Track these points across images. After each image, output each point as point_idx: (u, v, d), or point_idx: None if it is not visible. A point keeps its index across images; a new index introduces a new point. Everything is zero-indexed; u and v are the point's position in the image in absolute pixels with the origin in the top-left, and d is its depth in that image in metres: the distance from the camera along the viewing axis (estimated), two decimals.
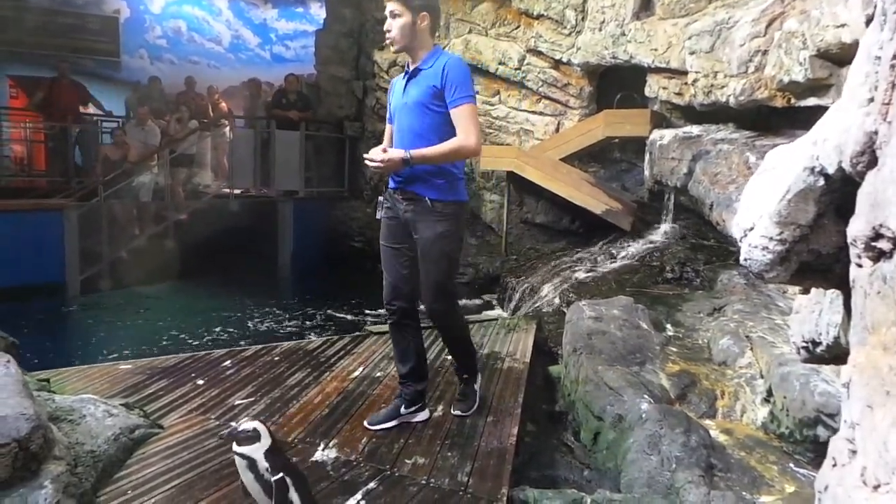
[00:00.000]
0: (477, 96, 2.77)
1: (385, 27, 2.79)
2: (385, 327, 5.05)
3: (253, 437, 2.00)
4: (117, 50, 14.01)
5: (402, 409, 3.04)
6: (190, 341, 6.03)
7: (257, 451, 1.99)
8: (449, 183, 2.81)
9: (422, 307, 3.00)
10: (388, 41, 2.82)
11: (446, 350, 4.23)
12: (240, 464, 2.01)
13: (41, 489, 2.00)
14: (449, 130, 2.73)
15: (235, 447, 2.01)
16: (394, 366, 3.92)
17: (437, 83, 2.72)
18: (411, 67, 2.84)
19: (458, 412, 3.14)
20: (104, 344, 5.98)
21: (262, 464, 1.97)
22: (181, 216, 8.80)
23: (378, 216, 3.02)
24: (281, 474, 1.97)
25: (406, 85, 2.84)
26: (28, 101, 10.81)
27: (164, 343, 5.97)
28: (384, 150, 2.75)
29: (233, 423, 2.03)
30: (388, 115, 3.03)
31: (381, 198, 3.00)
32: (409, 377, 3.04)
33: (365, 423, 3.00)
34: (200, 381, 3.55)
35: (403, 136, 2.84)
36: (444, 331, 3.12)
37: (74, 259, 7.59)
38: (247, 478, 2.00)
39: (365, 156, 2.77)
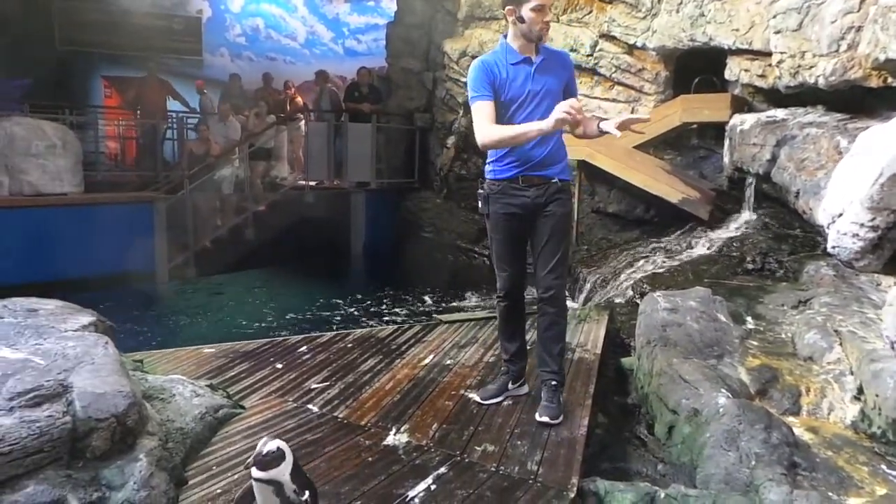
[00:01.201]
0: None
1: (547, 18, 2.83)
2: (455, 316, 5.10)
3: (279, 457, 1.85)
4: (200, 49, 14.65)
5: (510, 385, 3.23)
6: (268, 327, 6.28)
7: (283, 473, 1.85)
8: (568, 164, 2.99)
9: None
10: (543, 31, 2.85)
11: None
12: (263, 490, 1.84)
13: (136, 462, 2.15)
14: None
15: (258, 473, 1.84)
16: (463, 354, 3.97)
17: (568, 76, 2.96)
18: (526, 56, 2.87)
19: (545, 419, 2.93)
20: (190, 328, 6.31)
21: (290, 486, 1.85)
22: (260, 208, 9.15)
23: (484, 211, 3.05)
24: (307, 494, 1.87)
25: (533, 73, 2.87)
26: (120, 100, 11.50)
27: (245, 328, 6.24)
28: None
29: (265, 447, 1.86)
30: (487, 94, 2.87)
31: (482, 191, 3.05)
32: (516, 355, 3.21)
33: (477, 398, 3.21)
34: (279, 365, 3.70)
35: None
36: (561, 312, 3.01)
37: (163, 248, 8.03)
38: (271, 502, 1.85)
39: (571, 103, 2.67)
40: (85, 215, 7.46)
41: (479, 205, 3.08)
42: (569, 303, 6.64)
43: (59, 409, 2.08)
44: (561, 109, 2.63)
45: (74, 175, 7.74)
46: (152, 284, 7.85)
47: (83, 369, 2.29)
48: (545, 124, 2.70)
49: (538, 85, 2.86)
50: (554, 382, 3.03)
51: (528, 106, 2.86)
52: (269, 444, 1.86)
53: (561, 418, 2.95)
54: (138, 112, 10.67)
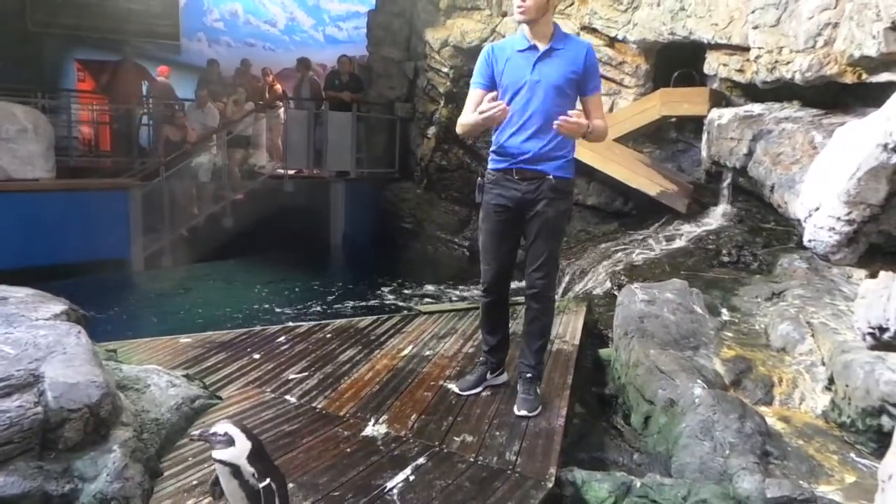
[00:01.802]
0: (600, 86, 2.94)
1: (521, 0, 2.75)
2: (434, 307, 5.10)
3: (226, 441, 1.83)
4: (177, 33, 14.36)
5: (489, 375, 3.22)
6: (246, 317, 6.22)
7: (239, 456, 1.83)
8: (568, 161, 2.87)
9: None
10: (519, 10, 2.77)
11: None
12: (222, 471, 1.85)
13: (110, 453, 2.12)
14: None
15: (215, 454, 1.85)
16: (442, 345, 3.97)
17: (578, 70, 2.79)
18: (533, 43, 2.81)
19: (523, 412, 2.92)
20: (166, 318, 6.22)
21: (248, 469, 1.83)
22: (237, 196, 9.04)
23: (478, 200, 3.01)
24: (268, 480, 1.84)
25: (536, 63, 2.79)
26: (94, 84, 11.24)
27: (222, 318, 6.17)
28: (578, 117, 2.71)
29: (212, 427, 1.87)
30: (480, 83, 2.90)
31: (481, 180, 3.00)
32: (496, 347, 3.19)
33: (455, 389, 3.21)
34: (256, 356, 3.67)
35: (535, 115, 2.79)
36: (544, 310, 2.97)
37: (138, 236, 7.89)
38: (230, 486, 1.85)
39: (571, 114, 2.66)
40: (57, 201, 7.29)
41: (476, 193, 3.02)
42: None
43: (30, 400, 2.04)
44: (487, 109, 2.66)
45: (46, 160, 7.55)
46: (127, 273, 7.71)
47: (55, 359, 2.24)
48: (481, 117, 2.71)
49: (538, 74, 2.77)
50: (529, 375, 3.01)
51: (525, 94, 2.80)
52: (218, 427, 1.87)
53: (539, 410, 2.95)
54: (114, 97, 10.45)
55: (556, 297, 3.09)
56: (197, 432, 1.90)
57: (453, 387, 3.24)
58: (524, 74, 2.79)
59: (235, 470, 1.83)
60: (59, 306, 2.84)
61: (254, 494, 1.82)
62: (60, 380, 2.14)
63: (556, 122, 2.63)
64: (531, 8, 2.74)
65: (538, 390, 3.06)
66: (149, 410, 2.56)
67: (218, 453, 1.84)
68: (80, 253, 7.18)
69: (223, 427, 1.86)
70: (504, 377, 3.29)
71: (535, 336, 3.01)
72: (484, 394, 3.19)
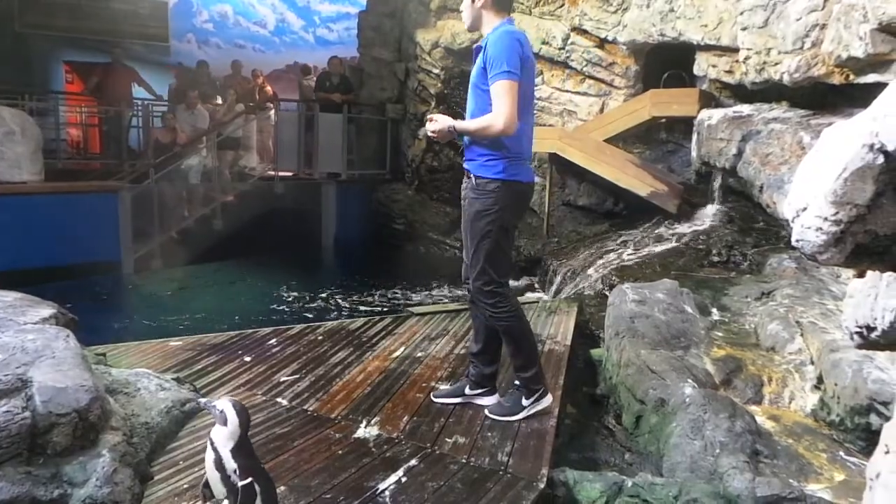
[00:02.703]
0: (508, 72, 2.58)
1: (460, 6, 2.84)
2: (426, 308, 5.10)
3: (221, 418, 1.84)
4: (167, 34, 14.31)
5: (467, 390, 3.04)
6: (236, 320, 6.19)
7: (224, 445, 1.83)
8: (489, 160, 2.71)
9: None
10: (463, 20, 2.86)
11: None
12: (208, 456, 1.86)
13: (99, 457, 2.10)
14: None
15: (212, 434, 1.86)
16: (434, 346, 3.97)
17: (483, 62, 2.66)
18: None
19: (487, 412, 2.90)
20: (156, 320, 6.18)
21: (231, 464, 1.82)
22: (228, 198, 9.00)
23: None
24: (249, 479, 1.81)
25: (473, 65, 2.81)
26: (83, 86, 11.17)
27: (212, 321, 6.14)
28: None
29: (214, 401, 1.91)
30: None
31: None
32: (476, 357, 3.00)
33: (431, 395, 3.12)
34: (247, 358, 3.65)
35: (467, 116, 2.83)
36: (491, 315, 2.82)
37: (128, 239, 7.84)
38: (212, 475, 1.86)
39: (428, 117, 2.84)
40: (45, 204, 7.24)
41: None
42: (539, 294, 6.71)
43: (17, 405, 2.02)
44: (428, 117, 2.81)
45: (34, 163, 7.49)
46: (117, 276, 7.67)
47: (43, 363, 2.22)
48: None
49: (471, 78, 2.80)
50: (516, 382, 2.93)
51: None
52: (218, 402, 1.90)
53: (508, 418, 2.85)
54: (104, 99, 10.40)
55: (501, 303, 2.80)
56: (203, 400, 2.01)
57: (432, 393, 3.15)
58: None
59: (219, 461, 1.83)
60: (47, 310, 2.81)
61: (233, 491, 1.80)
62: (49, 384, 2.12)
63: (428, 126, 2.80)
64: (464, 17, 2.83)
65: (518, 399, 2.89)
66: (139, 414, 2.54)
67: (213, 431, 1.87)
68: (70, 256, 7.13)
69: (222, 403, 1.88)
70: (490, 399, 3.01)
71: (506, 343, 2.89)
72: None
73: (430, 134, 2.81)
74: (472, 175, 2.77)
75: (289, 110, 10.50)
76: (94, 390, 2.19)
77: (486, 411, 2.93)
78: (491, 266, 2.77)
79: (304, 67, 11.27)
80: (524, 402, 2.88)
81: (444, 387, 3.22)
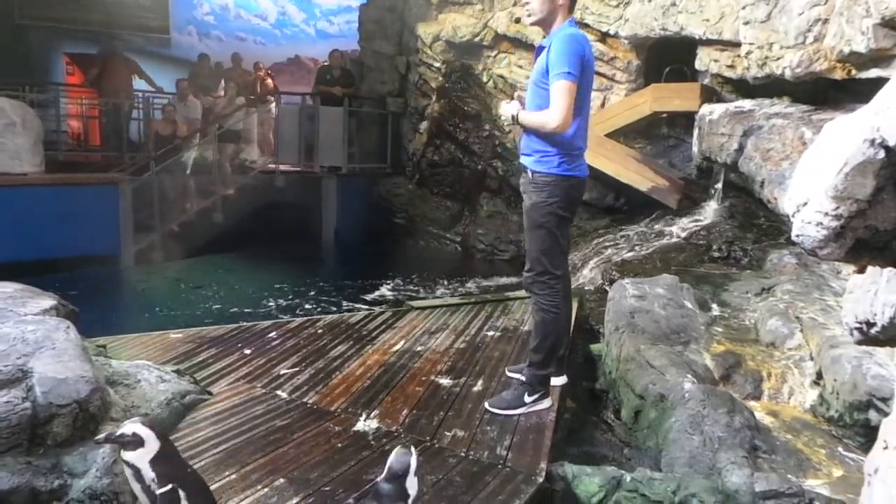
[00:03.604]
0: (568, 73, 2.66)
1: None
2: (426, 302, 5.10)
3: (135, 441, 1.78)
4: (167, 26, 14.26)
5: (526, 397, 2.94)
6: (237, 312, 6.19)
7: (142, 458, 1.78)
8: (544, 156, 2.81)
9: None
10: (525, 12, 2.87)
11: (486, 326, 4.26)
12: (128, 473, 1.81)
13: (99, 448, 2.10)
14: None
15: (123, 454, 1.80)
16: (433, 340, 3.97)
17: (546, 61, 2.74)
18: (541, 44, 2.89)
19: (487, 405, 2.94)
20: (156, 312, 6.19)
21: (149, 473, 1.77)
22: (229, 191, 8.99)
23: None
24: (170, 486, 1.77)
25: (535, 62, 2.89)
26: (83, 78, 11.15)
27: (213, 313, 6.15)
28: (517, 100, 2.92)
29: (120, 428, 1.82)
30: None
31: None
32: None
33: (506, 369, 3.33)
34: (247, 351, 3.66)
35: None
36: (537, 305, 2.93)
37: (128, 231, 7.84)
38: (135, 488, 1.82)
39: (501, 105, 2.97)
40: (46, 196, 7.24)
41: None
42: None
43: (18, 395, 2.02)
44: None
45: (34, 155, 7.49)
46: (117, 268, 7.67)
47: (44, 354, 2.23)
48: None
49: (532, 73, 2.89)
50: (523, 378, 2.98)
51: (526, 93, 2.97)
52: (126, 427, 1.81)
53: (507, 413, 2.87)
54: (104, 91, 10.38)
55: (550, 296, 2.87)
56: (103, 436, 1.83)
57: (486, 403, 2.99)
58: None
59: (137, 473, 1.79)
60: (48, 301, 2.81)
61: (154, 499, 1.77)
62: (49, 375, 2.12)
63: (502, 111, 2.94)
64: (535, 9, 2.81)
65: (520, 394, 2.93)
66: (139, 406, 2.54)
67: (125, 454, 1.79)
68: (70, 248, 7.13)
69: (132, 427, 1.81)
70: (559, 380, 3.11)
71: (533, 334, 2.98)
72: (475, 389, 3.20)
73: (501, 114, 2.98)
74: (528, 170, 2.88)
75: (290, 104, 10.48)
76: (94, 381, 2.19)
77: (486, 404, 2.95)
78: (546, 256, 2.87)
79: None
80: (526, 398, 2.92)
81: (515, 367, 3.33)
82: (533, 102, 2.86)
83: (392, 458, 1.82)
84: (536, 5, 2.80)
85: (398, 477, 1.79)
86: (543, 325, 2.90)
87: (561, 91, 2.67)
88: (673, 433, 2.74)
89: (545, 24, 2.84)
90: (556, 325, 2.92)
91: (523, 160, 2.92)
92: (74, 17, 12.60)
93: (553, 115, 2.69)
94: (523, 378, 2.98)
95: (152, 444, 1.79)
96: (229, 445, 2.52)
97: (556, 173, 2.80)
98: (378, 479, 1.84)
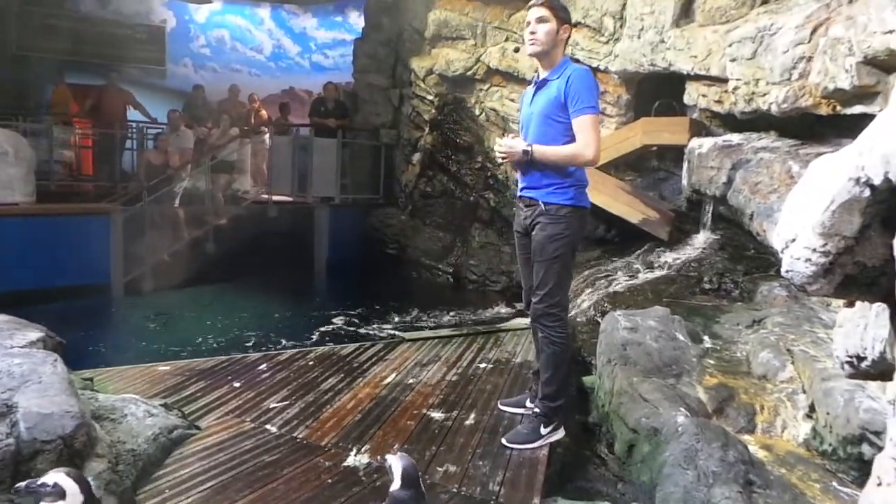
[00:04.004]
0: (593, 107, 2.80)
1: (530, 29, 2.89)
2: (418, 334, 5.08)
3: (56, 493, 1.65)
4: (163, 59, 14.42)
5: (527, 402, 3.22)
6: (226, 344, 6.14)
7: None
8: (558, 188, 2.87)
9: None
10: (530, 43, 2.91)
11: (478, 358, 4.24)
12: None
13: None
14: (570, 141, 2.82)
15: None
16: (425, 373, 3.94)
17: (562, 93, 2.80)
18: (540, 77, 2.94)
19: (504, 441, 2.94)
20: (145, 344, 6.12)
21: None
22: (221, 221, 8.99)
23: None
24: None
25: (534, 95, 2.94)
26: (77, 109, 11.22)
27: (202, 345, 6.09)
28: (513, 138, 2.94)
29: (43, 477, 1.70)
30: (519, 126, 3.16)
31: (515, 209, 3.14)
32: (538, 374, 3.07)
33: (498, 402, 3.36)
34: (237, 384, 3.62)
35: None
36: (547, 339, 2.95)
37: (119, 261, 7.81)
38: None
39: (497, 141, 2.97)
40: (37, 226, 7.22)
41: None
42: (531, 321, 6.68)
43: (1, 431, 1.99)
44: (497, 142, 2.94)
45: (26, 184, 7.48)
46: (107, 298, 7.61)
47: (29, 388, 2.19)
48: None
49: (535, 106, 2.93)
50: (537, 410, 3.00)
51: (526, 126, 2.99)
52: (49, 476, 1.69)
53: (524, 446, 2.88)
54: (98, 121, 10.43)
55: (560, 328, 2.92)
56: (23, 484, 1.69)
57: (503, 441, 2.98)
58: (527, 107, 2.99)
59: None
60: (35, 333, 2.78)
61: None
62: (34, 410, 2.09)
63: (496, 149, 2.94)
64: (542, 40, 2.85)
65: (536, 427, 2.95)
66: (125, 441, 2.50)
67: None
68: (60, 278, 7.09)
69: (54, 477, 1.69)
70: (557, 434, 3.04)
71: (543, 367, 2.98)
72: (467, 423, 3.17)
73: (498, 154, 2.94)
74: (539, 202, 2.89)
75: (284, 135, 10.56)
76: (79, 416, 2.16)
77: (504, 440, 2.94)
78: (560, 288, 2.93)
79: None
80: (542, 430, 2.93)
81: (510, 399, 3.45)
82: (545, 136, 2.87)
83: (401, 465, 1.79)
84: (543, 36, 2.85)
85: (414, 481, 1.76)
86: (554, 357, 2.93)
87: (589, 124, 2.77)
88: (667, 468, 2.72)
89: (546, 56, 2.89)
90: (566, 357, 2.97)
91: (530, 193, 2.93)
92: (70, 49, 12.71)
93: (587, 148, 2.77)
94: (538, 410, 2.98)
95: (75, 499, 1.66)
96: (217, 482, 2.47)
97: (572, 204, 2.88)
98: (392, 489, 1.79)
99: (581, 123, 2.78)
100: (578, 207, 2.90)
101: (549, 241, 2.88)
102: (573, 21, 7.97)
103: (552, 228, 2.87)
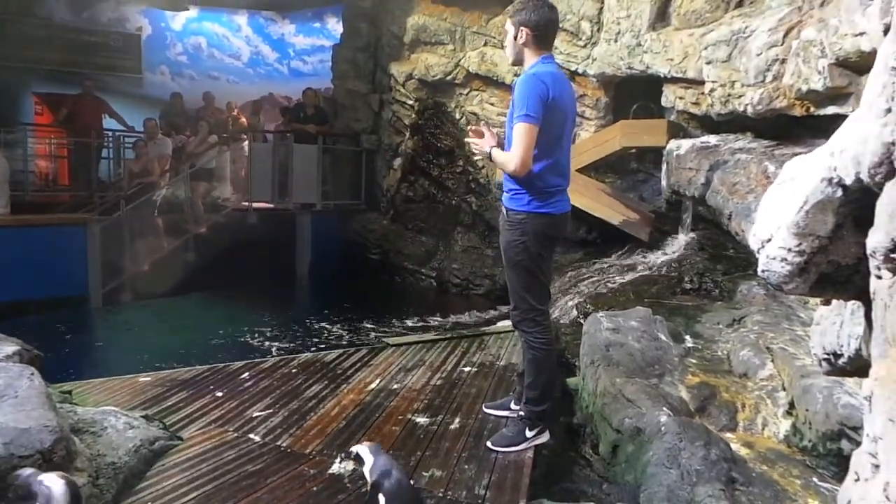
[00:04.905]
0: (526, 116, 2.69)
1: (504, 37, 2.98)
2: (402, 339, 5.06)
3: (45, 496, 1.68)
4: (139, 67, 14.27)
5: (512, 405, 3.23)
6: (208, 353, 6.07)
7: None
8: (515, 194, 2.85)
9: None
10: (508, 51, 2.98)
11: (463, 362, 4.24)
12: None
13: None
14: None
15: None
16: (410, 378, 3.93)
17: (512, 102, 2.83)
18: None
19: (489, 444, 2.92)
20: (125, 355, 6.04)
21: None
22: (201, 229, 8.91)
23: None
24: None
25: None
26: (52, 118, 11.06)
27: (184, 355, 6.02)
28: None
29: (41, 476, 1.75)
30: None
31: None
32: (522, 376, 3.07)
33: (483, 405, 3.35)
34: (219, 393, 3.58)
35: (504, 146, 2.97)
36: (527, 344, 2.97)
37: (97, 272, 7.70)
38: None
39: (475, 130, 2.96)
40: (12, 237, 7.09)
41: None
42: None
43: None
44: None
45: (0, 195, 7.36)
46: (85, 310, 7.50)
47: (5, 403, 2.16)
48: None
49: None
50: (521, 413, 3.00)
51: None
52: (43, 477, 1.72)
53: (508, 450, 2.88)
54: (73, 130, 10.28)
55: (539, 333, 2.91)
56: (25, 473, 1.72)
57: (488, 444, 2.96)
58: None
59: None
60: (10, 347, 2.74)
61: None
62: (11, 425, 2.05)
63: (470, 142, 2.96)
64: (507, 51, 2.96)
65: (521, 430, 2.93)
66: (105, 454, 2.46)
67: None
68: (36, 290, 6.98)
69: (49, 479, 1.75)
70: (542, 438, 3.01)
71: (526, 371, 2.99)
72: (452, 427, 3.16)
73: (472, 146, 2.95)
74: (503, 207, 2.93)
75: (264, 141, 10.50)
76: (58, 431, 2.13)
77: (489, 443, 2.93)
78: (528, 293, 2.91)
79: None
80: (527, 433, 2.93)
81: (494, 402, 3.44)
82: (508, 140, 2.90)
83: (366, 446, 1.99)
84: (508, 49, 2.95)
85: (384, 451, 1.84)
86: (536, 362, 2.92)
87: (519, 134, 2.71)
88: (651, 467, 2.74)
89: (520, 63, 2.93)
90: (549, 361, 2.95)
91: (502, 198, 2.97)
92: (45, 58, 12.54)
93: (512, 159, 2.74)
94: (522, 413, 2.98)
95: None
96: (200, 493, 2.44)
97: (528, 210, 2.82)
98: (367, 468, 1.96)
99: (514, 132, 2.74)
100: (538, 213, 2.81)
101: (508, 247, 2.89)
102: None
103: (509, 234, 2.87)
